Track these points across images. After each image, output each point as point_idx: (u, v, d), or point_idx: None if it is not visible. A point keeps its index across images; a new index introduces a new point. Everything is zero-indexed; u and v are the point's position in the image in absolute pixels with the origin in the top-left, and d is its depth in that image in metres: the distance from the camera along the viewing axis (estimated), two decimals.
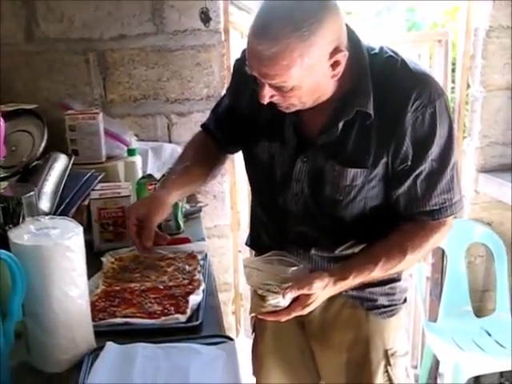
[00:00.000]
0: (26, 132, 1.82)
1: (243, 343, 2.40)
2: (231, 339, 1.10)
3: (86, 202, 1.61)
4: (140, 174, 1.83)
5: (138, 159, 1.88)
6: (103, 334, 1.10)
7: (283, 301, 1.14)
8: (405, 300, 1.40)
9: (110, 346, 1.06)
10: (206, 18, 2.08)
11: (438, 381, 2.65)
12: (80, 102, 2.06)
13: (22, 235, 0.99)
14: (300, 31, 1.01)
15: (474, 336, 2.43)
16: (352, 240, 1.28)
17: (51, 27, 2.06)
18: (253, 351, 1.56)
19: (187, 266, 1.40)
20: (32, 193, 1.33)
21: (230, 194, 2.34)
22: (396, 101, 1.14)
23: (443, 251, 2.53)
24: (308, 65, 1.05)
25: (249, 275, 1.20)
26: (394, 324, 1.37)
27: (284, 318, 1.17)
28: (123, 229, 1.53)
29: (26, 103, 1.92)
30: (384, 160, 1.17)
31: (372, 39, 1.21)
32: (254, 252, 1.52)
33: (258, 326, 1.52)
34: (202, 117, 1.47)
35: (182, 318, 1.17)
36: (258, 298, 1.16)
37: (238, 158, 1.61)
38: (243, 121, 1.32)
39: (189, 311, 1.19)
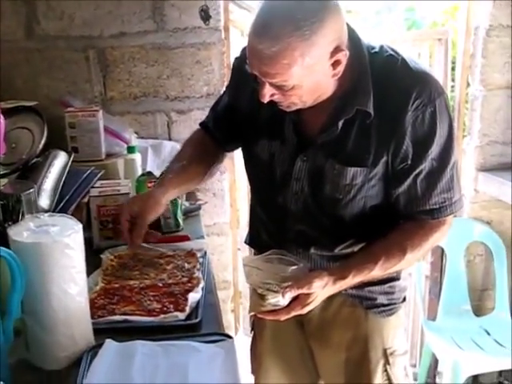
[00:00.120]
0: (26, 129, 1.82)
1: (242, 341, 2.40)
2: (230, 337, 1.10)
3: (86, 200, 1.61)
4: (139, 172, 1.83)
5: (137, 157, 1.88)
6: (102, 332, 1.10)
7: (283, 300, 1.14)
8: (404, 299, 1.40)
9: (109, 343, 1.06)
10: (205, 15, 2.08)
11: (437, 380, 2.66)
12: (80, 100, 2.05)
13: (22, 232, 0.99)
14: (301, 30, 1.01)
15: (473, 335, 2.43)
16: (352, 239, 1.28)
17: (51, 24, 2.05)
18: (251, 350, 1.56)
19: (186, 264, 1.40)
20: (31, 190, 1.33)
21: (229, 192, 2.34)
22: (396, 100, 1.14)
23: (442, 250, 2.53)
24: (309, 64, 1.05)
25: (248, 274, 1.20)
26: (393, 323, 1.37)
27: (283, 317, 1.17)
28: None
29: (25, 100, 1.92)
30: (384, 159, 1.17)
31: (372, 38, 1.21)
32: (253, 250, 1.52)
33: (257, 325, 1.52)
34: (202, 114, 1.47)
35: (181, 315, 1.17)
36: (258, 297, 1.16)
37: (238, 156, 1.61)
38: (243, 119, 1.32)
39: (188, 309, 1.19)
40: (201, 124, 1.47)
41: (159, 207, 1.30)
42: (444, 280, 2.54)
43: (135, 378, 0.97)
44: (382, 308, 1.35)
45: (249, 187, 1.47)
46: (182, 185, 1.37)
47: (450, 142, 1.18)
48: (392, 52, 1.18)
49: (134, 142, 1.98)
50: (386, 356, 1.36)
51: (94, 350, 1.04)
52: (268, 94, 1.12)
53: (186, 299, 1.22)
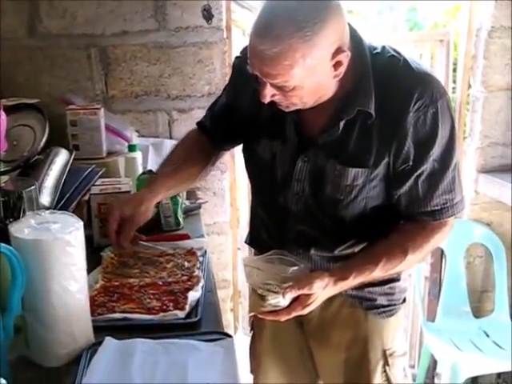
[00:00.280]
0: (28, 126, 1.83)
1: (241, 340, 2.40)
2: (229, 336, 1.10)
3: (87, 197, 1.61)
4: (140, 170, 1.83)
5: (138, 155, 1.88)
6: (102, 329, 1.10)
7: (283, 300, 1.14)
8: (404, 300, 1.40)
9: (109, 341, 1.06)
10: (208, 15, 2.08)
11: (436, 381, 2.66)
12: (81, 98, 2.05)
13: (23, 229, 0.99)
14: (303, 31, 1.01)
15: (472, 336, 2.43)
16: (352, 240, 1.28)
17: (54, 23, 2.06)
18: (251, 349, 1.56)
19: (186, 263, 1.40)
20: (33, 187, 1.33)
21: (229, 191, 2.33)
22: (398, 100, 1.14)
23: (442, 251, 2.53)
24: (310, 65, 1.05)
25: (249, 274, 1.20)
26: (392, 324, 1.37)
27: (284, 318, 1.17)
28: None
29: (27, 98, 1.92)
30: (385, 160, 1.17)
31: (374, 39, 1.21)
32: (253, 250, 1.52)
33: (256, 325, 1.52)
34: (203, 114, 1.47)
35: (181, 314, 1.17)
36: (258, 298, 1.16)
37: (238, 155, 1.61)
38: (243, 119, 1.32)
39: (187, 307, 1.19)
40: (198, 123, 1.47)
41: (149, 212, 1.30)
42: (443, 281, 2.54)
43: (134, 375, 0.97)
44: (382, 309, 1.35)
45: (249, 187, 1.46)
46: (172, 188, 1.37)
47: (452, 143, 1.18)
48: (394, 53, 1.18)
49: (135, 140, 1.98)
50: (385, 357, 1.36)
51: (93, 348, 1.04)
52: (269, 94, 1.12)
53: (186, 298, 1.22)
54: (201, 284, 1.30)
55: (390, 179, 1.20)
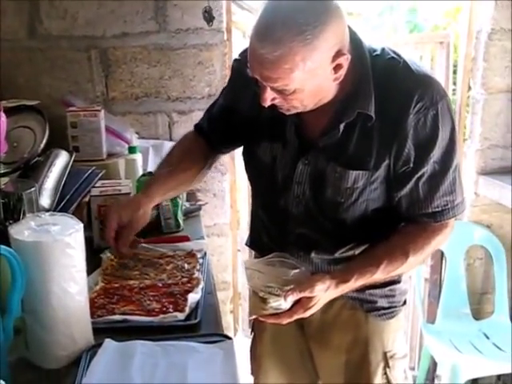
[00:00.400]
0: (28, 128, 1.83)
1: (241, 342, 2.40)
2: (229, 338, 1.10)
3: (87, 199, 1.61)
4: (140, 172, 1.83)
5: (138, 157, 1.88)
6: (102, 331, 1.10)
7: (285, 303, 1.13)
8: (404, 302, 1.40)
9: (109, 342, 1.06)
10: (209, 17, 2.08)
11: (436, 382, 2.66)
12: (82, 99, 2.06)
13: (23, 231, 0.99)
14: (303, 35, 1.01)
15: (472, 338, 2.43)
16: (353, 242, 1.28)
17: (54, 24, 2.06)
18: (251, 351, 1.56)
19: (186, 265, 1.40)
20: (33, 189, 1.33)
21: (229, 193, 2.34)
22: (398, 102, 1.14)
23: (442, 253, 2.53)
24: (310, 68, 1.04)
25: (250, 277, 1.19)
26: (393, 326, 1.37)
27: (285, 321, 1.17)
28: None
29: (27, 99, 1.92)
30: (386, 162, 1.17)
31: (374, 40, 1.21)
32: (253, 252, 1.52)
33: (256, 327, 1.52)
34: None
35: (181, 316, 1.17)
36: (259, 301, 1.16)
37: (238, 157, 1.61)
38: (243, 121, 1.32)
39: (187, 309, 1.19)
40: (195, 126, 1.47)
41: (147, 216, 1.30)
42: (443, 283, 2.54)
43: (134, 377, 0.97)
44: (383, 311, 1.35)
45: (249, 188, 1.46)
46: (169, 191, 1.36)
47: (452, 145, 1.18)
48: (394, 55, 1.18)
49: (135, 142, 1.98)
50: (385, 359, 1.36)
51: (93, 350, 1.04)
52: (269, 98, 1.12)
53: (186, 299, 1.22)
54: (200, 286, 1.30)
55: (390, 181, 1.20)
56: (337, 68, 1.09)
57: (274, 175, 1.28)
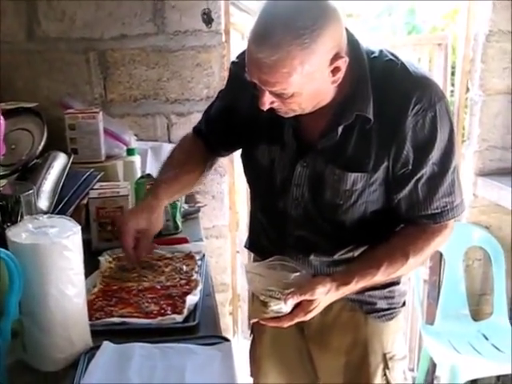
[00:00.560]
0: (26, 130, 1.83)
1: (241, 344, 2.40)
2: (227, 340, 1.09)
3: (85, 201, 1.61)
4: (139, 174, 1.83)
5: (137, 159, 1.88)
6: (100, 334, 1.10)
7: (285, 307, 1.13)
8: (404, 303, 1.40)
9: (107, 345, 1.06)
10: (208, 19, 2.08)
11: (435, 383, 2.66)
12: (80, 101, 2.06)
13: (20, 234, 0.99)
14: (301, 39, 1.01)
15: (470, 339, 2.43)
16: (352, 244, 1.28)
17: (52, 26, 2.06)
18: (251, 353, 1.56)
19: (185, 267, 1.40)
20: (31, 191, 1.33)
21: (228, 195, 2.34)
22: (396, 104, 1.14)
23: (441, 254, 2.54)
24: (308, 72, 1.04)
25: (251, 281, 1.19)
26: (392, 328, 1.37)
27: (286, 324, 1.17)
28: None
29: (26, 102, 1.93)
30: (385, 164, 1.17)
31: (372, 42, 1.21)
32: (252, 254, 1.52)
33: (256, 329, 1.52)
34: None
35: (179, 318, 1.17)
36: (260, 304, 1.16)
37: (237, 159, 1.61)
38: (241, 123, 1.31)
39: (186, 311, 1.19)
40: (193, 129, 1.47)
41: (161, 220, 1.31)
42: (442, 284, 2.54)
43: (132, 379, 0.97)
44: (382, 312, 1.35)
45: (249, 190, 1.46)
46: (175, 194, 1.37)
47: (451, 147, 1.18)
48: (391, 57, 1.18)
49: (134, 144, 1.98)
50: (385, 360, 1.36)
51: (91, 352, 1.04)
52: (268, 101, 1.12)
53: (184, 302, 1.22)
54: (199, 288, 1.29)
55: (389, 183, 1.20)
56: (335, 71, 1.08)
57: (272, 178, 1.28)
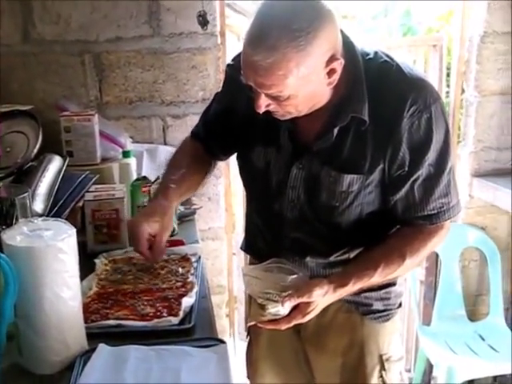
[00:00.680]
0: (21, 133, 1.83)
1: (237, 346, 2.40)
2: (223, 342, 1.09)
3: (81, 204, 1.61)
4: (135, 176, 1.83)
5: (132, 161, 1.88)
6: (95, 336, 1.10)
7: (283, 309, 1.13)
8: (400, 305, 1.40)
9: (102, 347, 1.05)
10: (203, 21, 2.08)
11: None
12: (75, 104, 2.05)
13: (15, 236, 0.99)
14: (296, 41, 1.01)
15: (467, 340, 2.44)
16: (348, 246, 1.28)
17: (47, 29, 2.06)
18: (247, 355, 1.56)
19: (180, 269, 1.40)
20: (26, 194, 1.33)
21: (224, 197, 2.33)
22: (392, 106, 1.14)
23: (437, 255, 2.54)
24: (304, 74, 1.04)
25: (248, 284, 1.19)
26: (388, 329, 1.37)
27: (284, 327, 1.17)
28: (117, 231, 1.53)
29: (21, 104, 1.92)
30: (380, 166, 1.17)
31: (367, 44, 1.21)
32: (248, 256, 1.52)
33: (252, 330, 1.52)
34: (198, 119, 1.47)
35: (175, 320, 1.17)
36: (258, 307, 1.16)
37: (233, 161, 1.61)
38: (238, 126, 1.31)
39: (181, 314, 1.19)
40: (191, 133, 1.47)
41: (172, 221, 1.31)
42: (439, 285, 2.55)
43: (128, 381, 0.97)
44: (378, 314, 1.35)
45: (245, 193, 1.46)
46: (183, 195, 1.37)
47: (447, 148, 1.18)
48: (386, 58, 1.18)
49: (130, 146, 1.98)
50: (381, 362, 1.36)
51: (87, 355, 1.04)
52: (264, 104, 1.12)
53: (180, 304, 1.22)
54: (195, 290, 1.29)
55: (385, 185, 1.20)
56: (330, 73, 1.09)
57: (268, 180, 1.28)
